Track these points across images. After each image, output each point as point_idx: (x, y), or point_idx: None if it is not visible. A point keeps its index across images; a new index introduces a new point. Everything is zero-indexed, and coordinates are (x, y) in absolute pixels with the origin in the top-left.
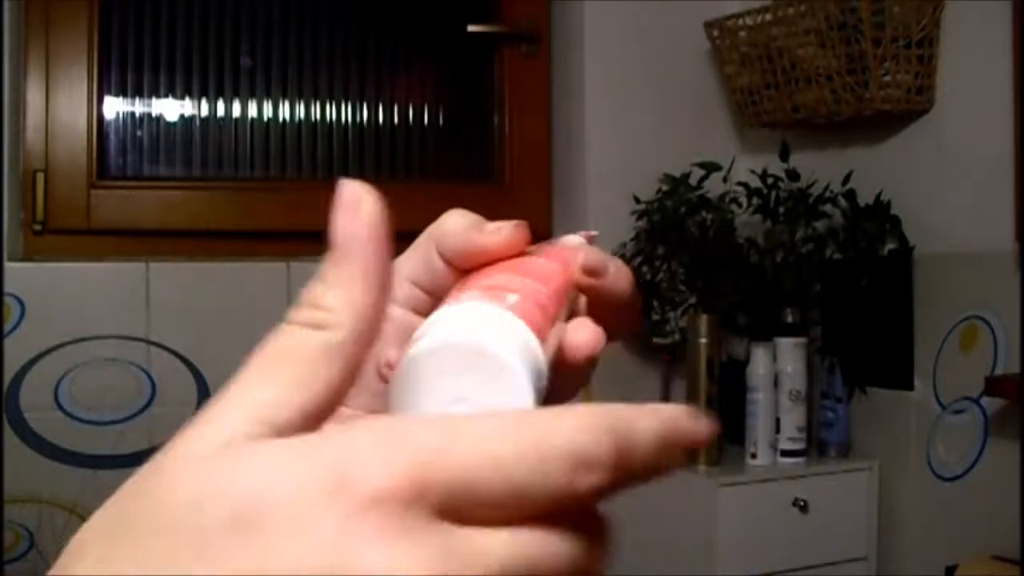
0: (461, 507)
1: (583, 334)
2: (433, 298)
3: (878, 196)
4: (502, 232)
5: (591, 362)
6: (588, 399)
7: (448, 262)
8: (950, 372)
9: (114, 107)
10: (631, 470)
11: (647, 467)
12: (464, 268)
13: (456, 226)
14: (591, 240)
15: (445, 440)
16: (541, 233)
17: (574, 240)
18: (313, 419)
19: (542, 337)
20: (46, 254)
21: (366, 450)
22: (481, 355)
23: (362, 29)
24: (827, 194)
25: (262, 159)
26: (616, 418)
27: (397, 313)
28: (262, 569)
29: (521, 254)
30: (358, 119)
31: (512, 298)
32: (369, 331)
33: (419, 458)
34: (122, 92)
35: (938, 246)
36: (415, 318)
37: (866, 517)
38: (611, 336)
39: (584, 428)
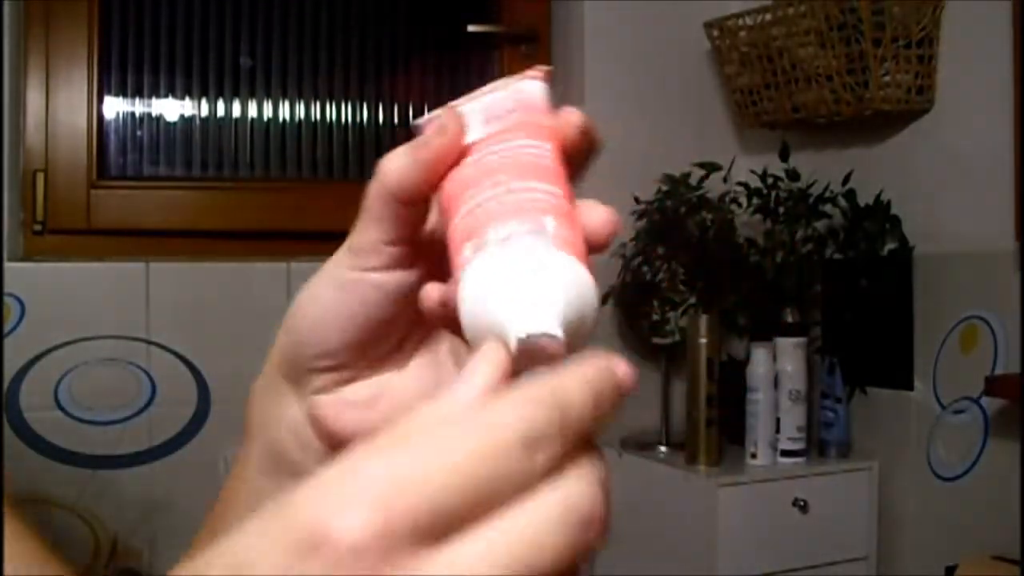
0: (436, 524)
1: (599, 214)
2: (414, 246)
3: (878, 196)
4: (445, 129)
5: (612, 238)
6: None
7: (412, 200)
8: (950, 372)
9: (114, 107)
10: (577, 433)
11: (587, 426)
12: (430, 192)
13: (396, 160)
14: (548, 78)
15: (402, 466)
16: None
17: (533, 88)
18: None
19: (578, 252)
20: (46, 254)
21: (333, 497)
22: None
23: (362, 29)
24: (827, 194)
25: (262, 159)
26: (552, 390)
27: (388, 278)
28: None
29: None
30: (358, 119)
31: (550, 224)
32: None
33: (382, 494)
34: (122, 92)
35: (938, 246)
36: (409, 273)
37: (866, 517)
38: None
39: (529, 412)
